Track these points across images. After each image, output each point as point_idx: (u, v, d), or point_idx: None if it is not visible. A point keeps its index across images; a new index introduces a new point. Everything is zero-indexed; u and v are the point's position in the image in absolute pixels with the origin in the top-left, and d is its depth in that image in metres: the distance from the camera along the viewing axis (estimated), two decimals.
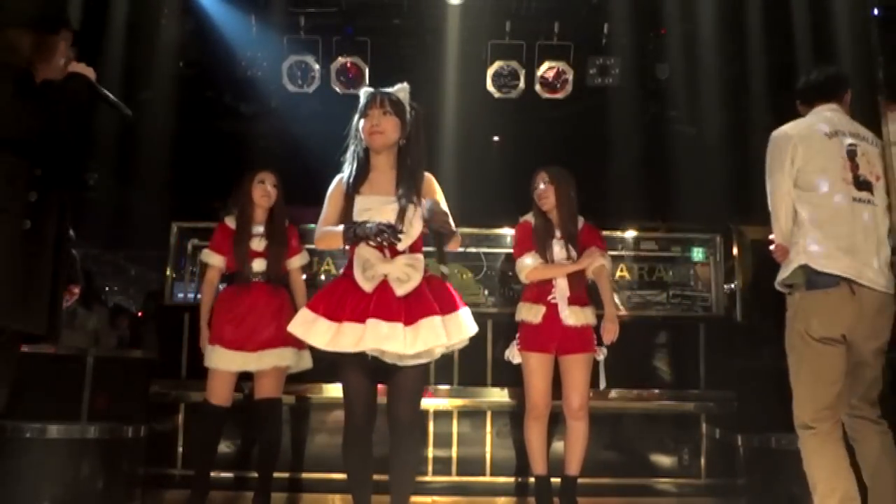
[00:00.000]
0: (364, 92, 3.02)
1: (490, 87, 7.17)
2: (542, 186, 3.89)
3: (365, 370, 2.80)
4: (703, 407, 4.66)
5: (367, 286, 2.75)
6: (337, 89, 7.32)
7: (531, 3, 7.03)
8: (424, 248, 2.95)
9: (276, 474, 3.96)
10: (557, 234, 3.90)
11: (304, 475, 4.50)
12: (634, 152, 7.30)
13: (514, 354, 3.90)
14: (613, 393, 4.42)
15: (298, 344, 3.78)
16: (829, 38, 6.21)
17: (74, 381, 4.54)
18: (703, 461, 4.64)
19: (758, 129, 7.39)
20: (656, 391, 4.63)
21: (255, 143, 8.06)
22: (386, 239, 2.74)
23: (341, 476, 4.35)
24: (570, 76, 7.23)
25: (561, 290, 3.81)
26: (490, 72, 7.19)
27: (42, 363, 4.57)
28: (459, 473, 4.58)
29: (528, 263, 3.87)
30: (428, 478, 4.57)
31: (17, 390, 4.16)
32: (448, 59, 7.11)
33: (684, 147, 7.69)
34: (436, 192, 2.94)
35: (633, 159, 7.44)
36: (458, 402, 4.54)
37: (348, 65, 7.27)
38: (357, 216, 2.84)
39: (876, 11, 4.34)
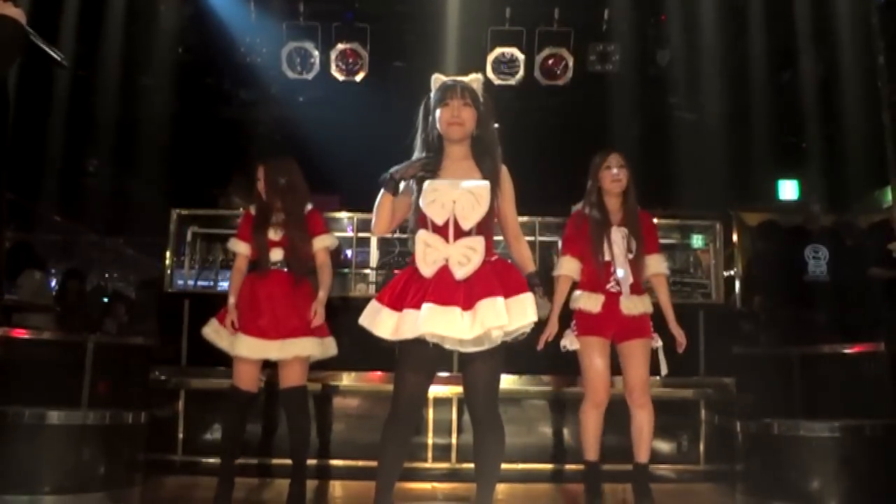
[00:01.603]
0: (437, 80, 2.91)
1: (490, 73, 7.15)
2: (615, 170, 3.78)
3: (422, 362, 2.74)
4: (702, 393, 4.67)
5: (427, 271, 2.71)
6: (336, 76, 7.31)
7: None
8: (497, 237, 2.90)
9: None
10: (617, 220, 3.79)
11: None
12: (634, 139, 7.30)
13: (571, 341, 3.78)
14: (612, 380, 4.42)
15: (321, 332, 3.80)
16: (830, 25, 6.20)
17: (75, 367, 4.56)
18: (701, 447, 4.66)
19: (758, 116, 7.40)
20: (656, 377, 4.64)
21: (254, 129, 8.07)
22: (418, 169, 2.75)
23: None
24: (570, 62, 7.22)
25: (623, 282, 3.74)
26: (490, 58, 7.18)
27: (43, 349, 4.59)
28: (459, 460, 4.60)
29: (562, 269, 3.80)
30: (428, 464, 4.59)
31: (18, 376, 4.21)
32: (448, 46, 7.08)
33: (684, 134, 7.69)
34: (510, 186, 2.89)
35: (633, 146, 7.41)
36: (458, 388, 4.50)
37: (348, 51, 7.26)
38: (425, 199, 2.78)
39: None
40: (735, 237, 6.61)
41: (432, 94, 2.88)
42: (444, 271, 2.70)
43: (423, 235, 2.76)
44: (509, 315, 2.62)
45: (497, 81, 7.16)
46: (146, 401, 4.46)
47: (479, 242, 2.73)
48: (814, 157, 7.66)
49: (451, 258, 2.70)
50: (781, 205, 8.40)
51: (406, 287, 2.74)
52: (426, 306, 2.62)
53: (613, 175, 3.78)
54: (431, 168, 2.79)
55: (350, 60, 7.31)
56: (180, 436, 4.60)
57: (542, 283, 2.89)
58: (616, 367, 3.82)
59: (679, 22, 6.93)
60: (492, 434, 2.81)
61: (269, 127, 8.11)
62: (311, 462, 4.26)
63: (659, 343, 3.77)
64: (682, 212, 5.70)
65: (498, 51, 7.21)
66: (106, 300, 8.45)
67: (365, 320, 2.75)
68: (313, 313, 3.73)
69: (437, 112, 2.83)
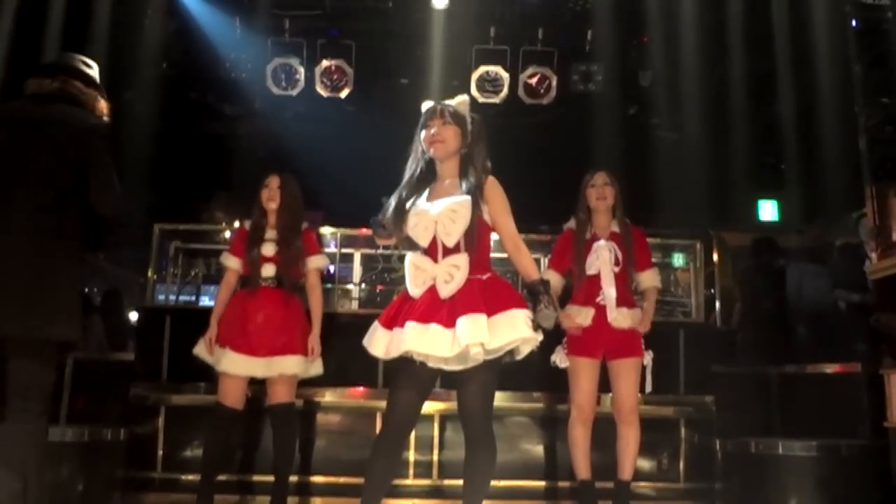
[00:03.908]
0: (425, 106, 2.98)
1: (474, 91, 7.20)
2: (599, 188, 3.87)
3: (412, 381, 2.74)
4: (681, 411, 4.68)
5: (417, 291, 2.77)
6: (321, 92, 7.33)
7: (515, 8, 7.09)
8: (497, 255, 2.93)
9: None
10: (606, 235, 3.87)
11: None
12: (616, 158, 7.34)
13: (561, 359, 3.83)
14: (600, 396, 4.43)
15: (307, 351, 3.80)
16: (809, 48, 6.30)
17: (53, 383, 4.51)
18: (681, 465, 4.67)
19: (738, 136, 7.49)
20: (638, 394, 4.67)
21: (238, 144, 8.06)
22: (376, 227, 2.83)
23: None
24: (553, 82, 7.29)
25: (608, 295, 3.79)
26: (474, 76, 7.23)
27: None
28: (440, 477, 4.58)
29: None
30: (409, 481, 4.57)
31: None
32: (433, 64, 7.15)
33: (665, 153, 7.78)
34: (498, 196, 2.89)
35: (614, 165, 7.46)
36: (440, 405, 4.55)
37: (332, 68, 7.29)
38: (409, 223, 2.84)
39: (854, 23, 4.42)
40: (715, 256, 6.66)
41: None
42: (432, 290, 2.74)
43: (412, 258, 2.83)
44: (492, 332, 2.63)
45: (481, 99, 7.22)
46: (125, 417, 4.41)
47: (462, 259, 2.75)
48: (793, 178, 7.76)
49: (438, 277, 2.74)
50: (761, 225, 8.49)
51: (400, 307, 2.79)
52: (408, 324, 2.67)
53: (598, 193, 3.87)
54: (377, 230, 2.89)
55: (335, 77, 7.34)
56: (160, 452, 4.54)
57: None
58: (605, 384, 3.86)
59: (661, 44, 7.03)
60: (484, 452, 2.81)
61: (253, 142, 8.11)
62: (293, 479, 4.23)
63: (648, 360, 3.81)
64: (662, 231, 5.74)
65: (482, 69, 7.27)
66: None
67: (365, 340, 2.82)
68: (311, 350, 3.77)
69: (422, 135, 2.90)
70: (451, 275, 2.73)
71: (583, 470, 3.83)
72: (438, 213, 2.79)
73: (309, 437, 4.56)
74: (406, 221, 2.84)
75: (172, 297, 5.32)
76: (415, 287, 2.78)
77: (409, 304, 2.77)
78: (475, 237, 2.79)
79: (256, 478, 4.41)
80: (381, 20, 7.24)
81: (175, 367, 4.54)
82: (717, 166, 7.58)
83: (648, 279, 3.92)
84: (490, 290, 2.75)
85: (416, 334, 2.65)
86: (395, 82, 7.76)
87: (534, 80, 7.31)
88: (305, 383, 4.03)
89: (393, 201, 2.89)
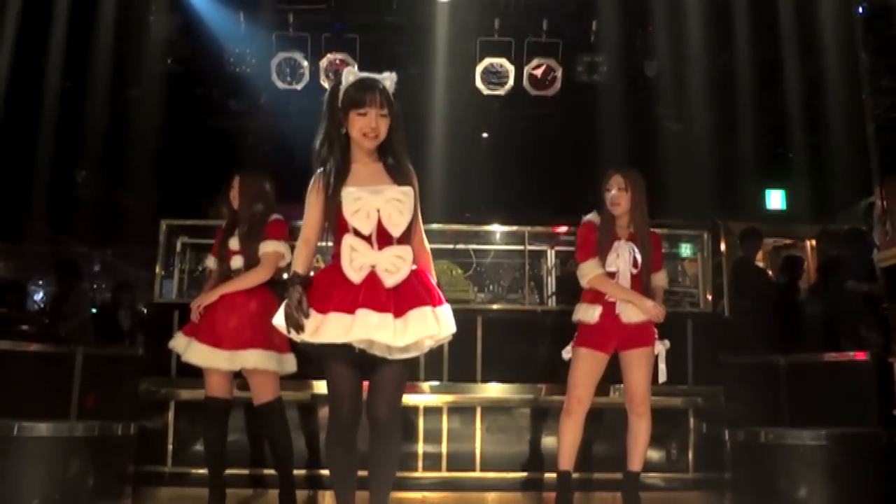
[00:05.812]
0: (351, 73, 2.83)
1: (479, 83, 7.19)
2: (614, 192, 3.80)
3: (352, 363, 2.73)
4: (690, 402, 4.69)
5: (356, 277, 2.69)
6: (326, 86, 7.32)
7: (520, 0, 7.06)
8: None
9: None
10: (626, 236, 3.83)
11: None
12: (622, 149, 7.33)
13: (568, 350, 3.86)
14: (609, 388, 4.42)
15: (279, 347, 3.73)
16: (815, 36, 6.27)
17: (63, 379, 4.54)
18: (690, 455, 4.68)
19: (745, 125, 7.46)
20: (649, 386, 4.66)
21: (243, 139, 8.07)
22: (292, 322, 2.67)
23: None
24: (558, 73, 7.27)
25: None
26: (479, 69, 7.21)
27: (31, 361, 4.57)
28: (450, 469, 4.60)
29: (591, 270, 3.78)
30: (418, 473, 4.58)
31: (6, 388, 4.19)
32: (437, 56, 7.13)
33: (672, 143, 7.75)
34: (417, 188, 2.86)
35: (620, 156, 7.47)
36: (448, 398, 4.57)
37: (337, 61, 7.28)
38: (347, 209, 2.74)
39: (861, 9, 4.40)
40: (723, 246, 6.64)
41: (345, 87, 2.81)
42: (373, 277, 2.70)
43: (349, 240, 2.74)
44: (438, 324, 2.67)
45: (486, 91, 7.20)
46: (135, 412, 4.43)
47: (406, 252, 2.75)
48: (800, 167, 7.73)
49: (379, 265, 2.71)
50: (768, 214, 8.46)
51: (330, 290, 2.71)
52: (361, 312, 2.62)
53: (612, 198, 3.83)
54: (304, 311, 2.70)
55: (339, 71, 7.32)
56: (170, 447, 4.57)
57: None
58: (615, 375, 3.85)
59: (666, 33, 6.99)
60: (390, 437, 2.78)
61: (259, 137, 8.12)
62: (301, 472, 4.25)
63: (661, 349, 3.79)
64: (669, 221, 5.73)
65: (487, 61, 7.24)
66: (95, 310, 8.39)
67: (279, 320, 2.72)
68: (195, 305, 3.75)
69: (352, 116, 2.78)
70: (397, 266, 2.71)
71: (564, 461, 3.82)
72: (383, 201, 2.74)
73: (315, 431, 4.57)
74: (342, 207, 2.75)
75: (180, 291, 5.33)
76: (353, 272, 2.70)
77: (344, 287, 2.69)
78: (412, 229, 2.81)
79: (268, 471, 4.43)
80: (385, 13, 7.22)
81: (184, 363, 4.55)
82: (723, 156, 7.55)
83: (659, 279, 3.92)
84: (425, 284, 2.77)
85: (369, 321, 2.60)
86: (400, 75, 7.73)
87: (539, 72, 7.28)
88: (311, 376, 4.04)
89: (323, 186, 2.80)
